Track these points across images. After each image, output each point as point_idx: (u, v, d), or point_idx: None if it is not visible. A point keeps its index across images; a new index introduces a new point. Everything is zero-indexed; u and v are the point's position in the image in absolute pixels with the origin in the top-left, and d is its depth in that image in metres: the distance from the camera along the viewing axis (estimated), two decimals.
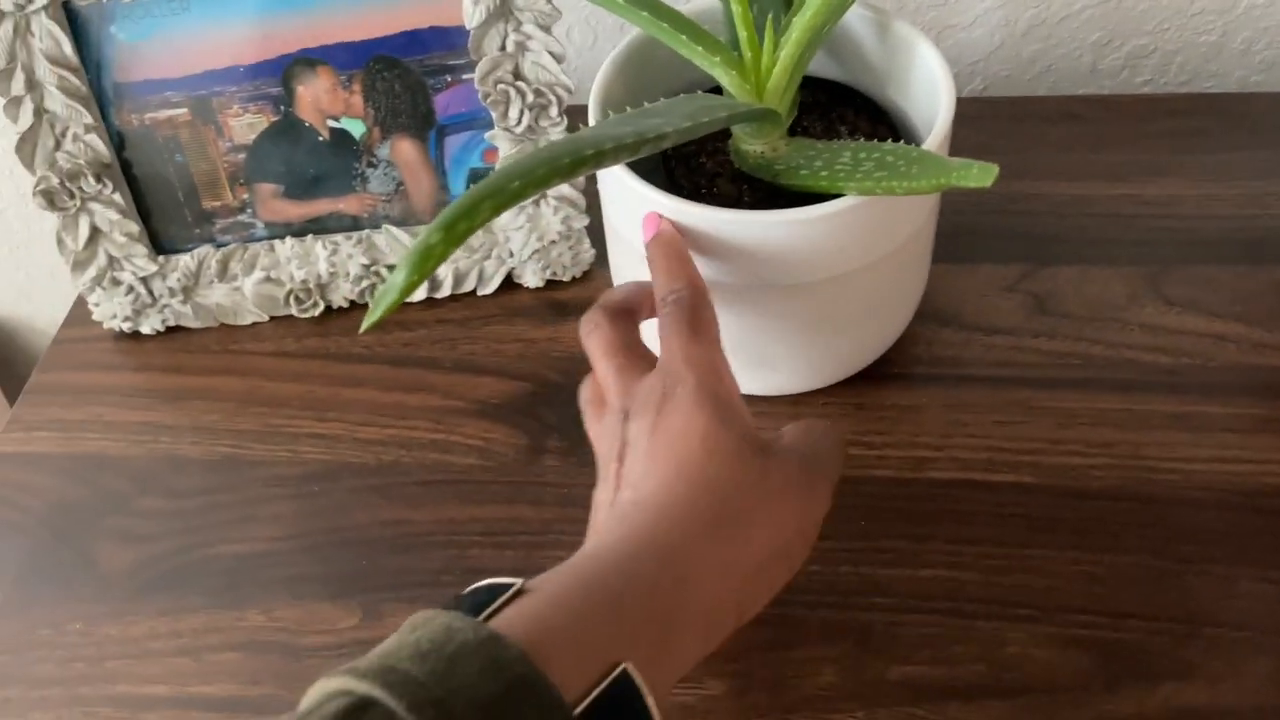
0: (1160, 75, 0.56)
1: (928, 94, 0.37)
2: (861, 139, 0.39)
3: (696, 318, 0.32)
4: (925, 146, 0.34)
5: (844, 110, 0.41)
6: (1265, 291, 0.42)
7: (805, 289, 0.36)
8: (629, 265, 0.38)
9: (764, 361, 0.39)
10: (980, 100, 0.54)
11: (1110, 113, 0.51)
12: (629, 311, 0.34)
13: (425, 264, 0.22)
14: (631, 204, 0.35)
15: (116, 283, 0.45)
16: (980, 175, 0.28)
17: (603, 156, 0.27)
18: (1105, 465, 0.38)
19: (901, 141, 0.34)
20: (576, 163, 0.26)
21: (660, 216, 0.34)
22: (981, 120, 0.51)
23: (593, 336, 0.33)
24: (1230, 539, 0.36)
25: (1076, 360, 0.41)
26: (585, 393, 0.34)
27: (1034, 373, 0.41)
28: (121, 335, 0.46)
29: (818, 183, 0.34)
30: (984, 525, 0.37)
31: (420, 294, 0.45)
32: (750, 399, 0.40)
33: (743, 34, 0.36)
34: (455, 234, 0.23)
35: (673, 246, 0.34)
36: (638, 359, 0.32)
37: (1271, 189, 0.45)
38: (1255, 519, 0.36)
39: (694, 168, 0.39)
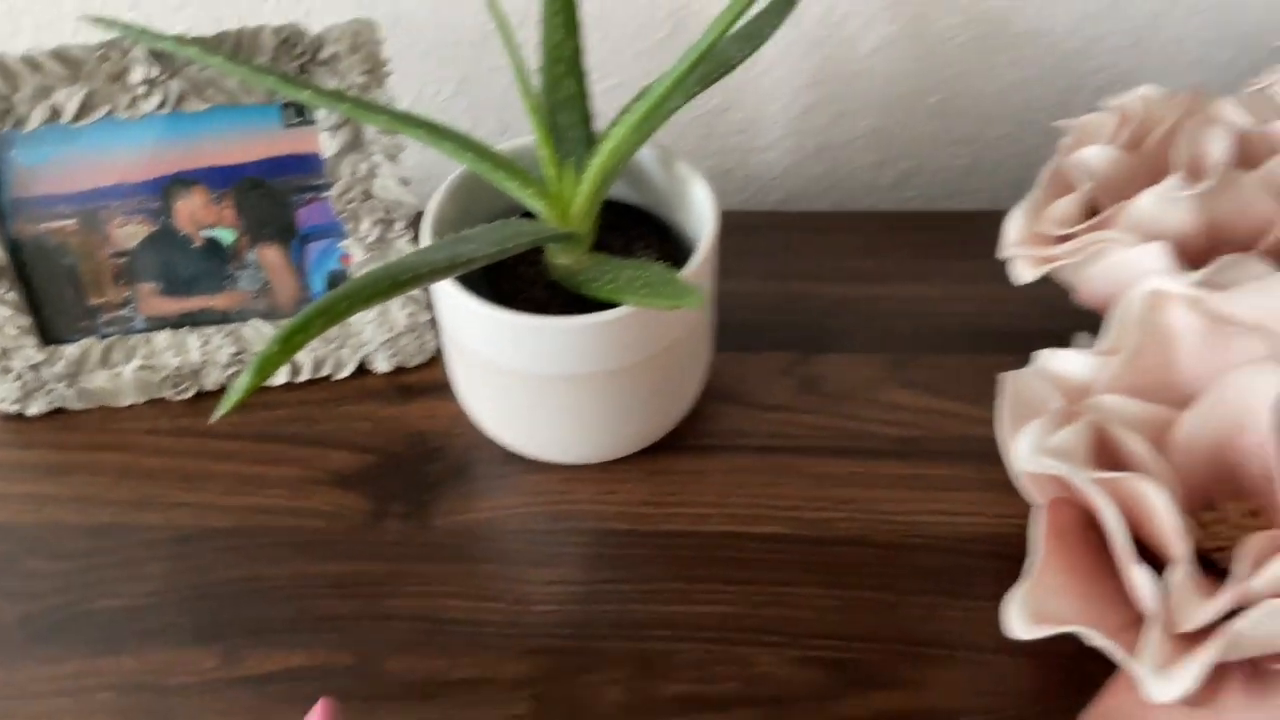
0: (926, 191, 0.67)
1: (700, 219, 0.46)
2: (654, 255, 0.48)
3: None
4: (690, 267, 0.43)
5: (641, 230, 0.49)
6: (983, 376, 0.51)
7: (601, 377, 0.44)
8: (457, 358, 0.46)
9: (570, 437, 0.47)
10: (776, 213, 0.64)
11: (878, 224, 0.61)
12: None
13: (265, 370, 0.29)
14: (456, 310, 0.43)
15: (7, 370, 0.50)
16: (691, 300, 0.37)
17: (419, 279, 0.35)
18: (848, 517, 0.47)
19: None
20: (395, 286, 0.34)
21: (332, 714, 0.34)
22: (774, 230, 0.60)
23: None
24: (941, 575, 0.44)
25: (832, 432, 0.50)
26: None
27: (798, 442, 0.49)
28: (9, 417, 0.52)
29: (606, 294, 0.42)
30: (748, 569, 0.45)
31: (282, 377, 0.52)
32: (561, 467, 0.48)
33: (549, 171, 0.44)
34: (291, 345, 0.30)
35: None
36: None
37: (1002, 293, 0.55)
38: (962, 559, 0.45)
39: (515, 276, 0.47)
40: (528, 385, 0.45)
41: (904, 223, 0.61)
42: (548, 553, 0.46)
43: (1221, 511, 0.38)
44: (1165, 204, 0.42)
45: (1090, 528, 0.38)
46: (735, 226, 0.61)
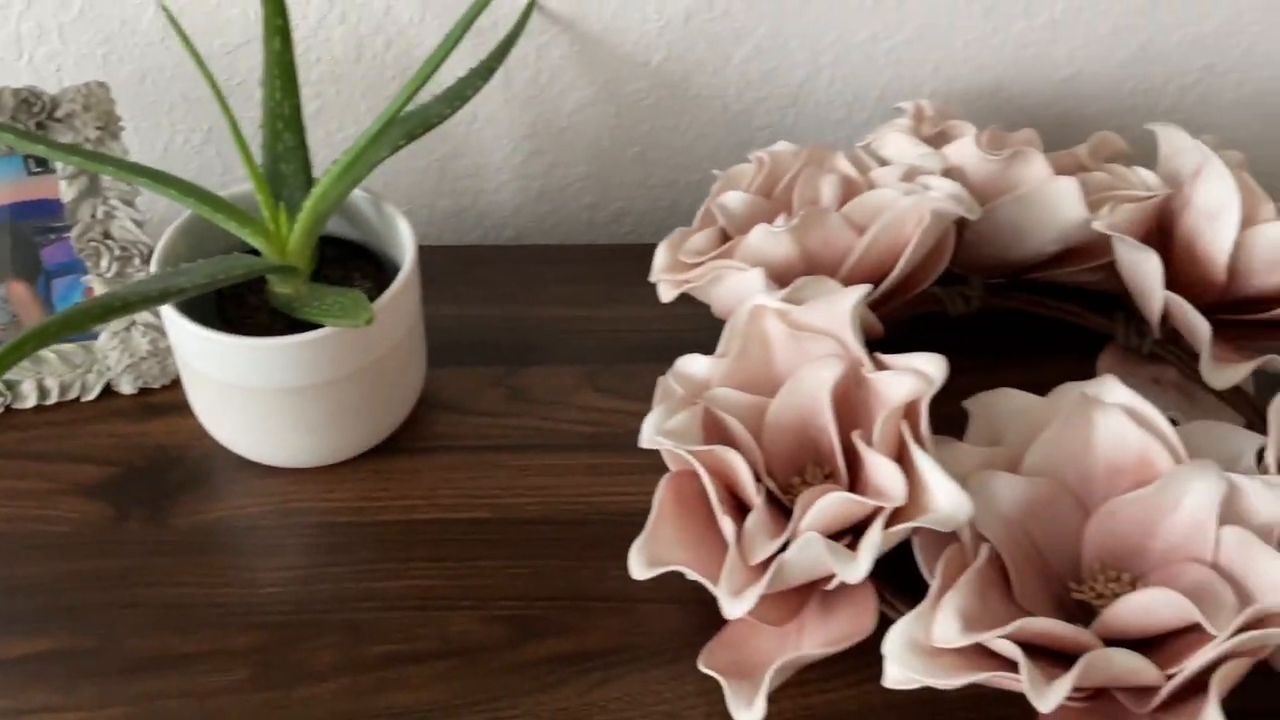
0: (638, 228, 0.77)
1: (404, 252, 0.54)
2: (369, 284, 0.56)
3: None
4: (389, 293, 0.51)
5: (360, 263, 0.57)
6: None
7: (314, 389, 0.51)
8: (190, 378, 0.53)
9: (294, 444, 0.54)
10: (504, 246, 0.73)
11: (589, 256, 0.70)
12: None
13: None
14: (181, 335, 0.50)
15: None
16: (362, 320, 0.46)
17: (130, 307, 0.42)
18: (539, 502, 0.55)
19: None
20: (107, 312, 0.41)
21: None
22: (499, 262, 0.69)
23: None
24: (611, 543, 0.53)
25: (532, 432, 0.59)
26: None
27: (502, 442, 0.58)
28: None
29: (312, 317, 0.50)
30: (450, 548, 0.53)
31: (32, 401, 0.57)
32: (289, 470, 0.55)
33: (266, 213, 0.52)
34: (3, 365, 0.36)
35: None
36: None
37: (680, 311, 0.65)
38: (629, 529, 0.53)
39: (242, 304, 0.54)
40: (250, 399, 0.52)
41: (611, 255, 0.71)
42: (274, 544, 0.53)
43: (806, 475, 0.49)
44: (768, 238, 0.53)
45: (704, 493, 0.48)
46: (463, 259, 0.70)
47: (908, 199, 0.53)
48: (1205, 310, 0.59)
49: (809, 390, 0.48)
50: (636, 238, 0.78)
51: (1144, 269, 0.56)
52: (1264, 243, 0.54)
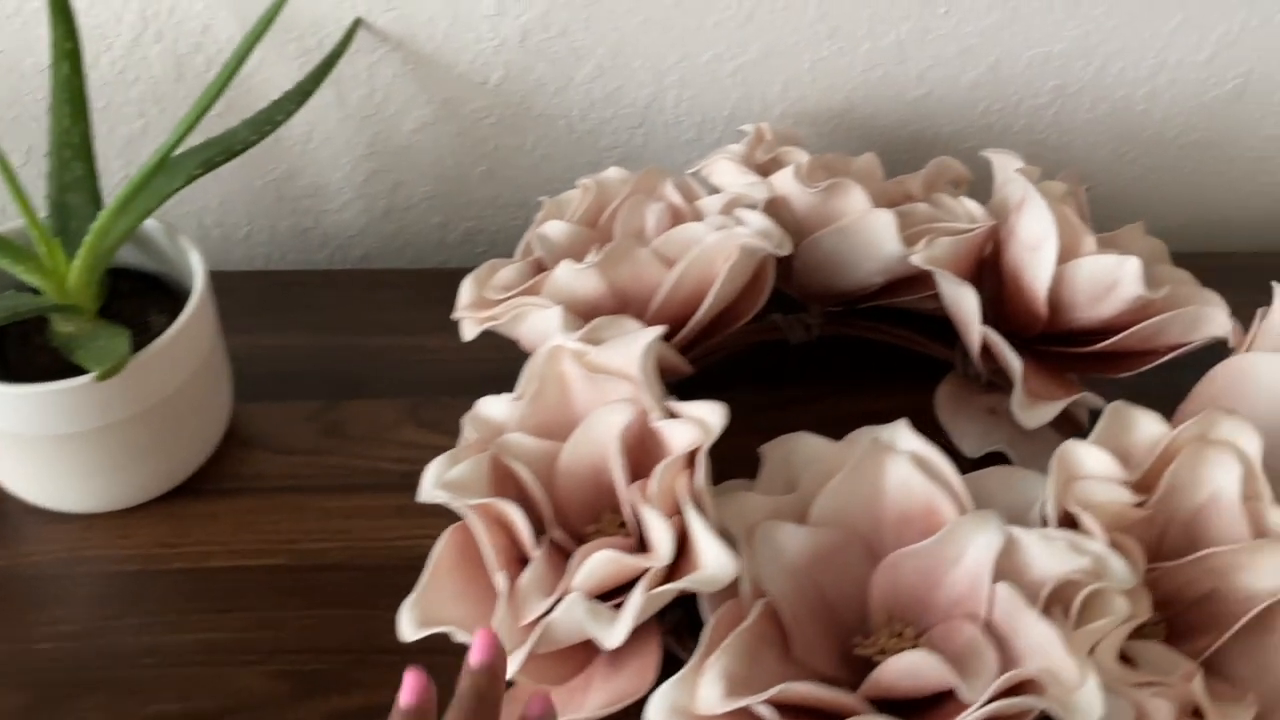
0: (495, 248, 0.75)
1: (195, 285, 0.52)
2: (167, 318, 0.54)
3: None
4: (169, 333, 0.49)
5: (157, 295, 0.55)
6: None
7: (99, 432, 0.49)
8: None
9: (84, 487, 0.51)
10: (334, 271, 0.70)
11: (430, 280, 0.68)
12: None
13: None
14: None
15: None
16: (105, 369, 0.44)
17: None
18: (342, 546, 0.53)
19: None
20: None
21: (494, 644, 0.35)
22: (329, 287, 0.67)
23: None
24: (405, 591, 0.51)
25: (345, 471, 0.57)
26: None
27: (311, 483, 0.56)
28: None
29: (82, 360, 0.47)
30: (242, 598, 0.51)
31: None
32: (81, 516, 0.53)
33: (41, 249, 0.49)
34: None
35: (490, 694, 0.35)
36: None
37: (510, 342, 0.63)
38: None
39: (28, 344, 0.52)
40: (26, 445, 0.49)
41: (454, 279, 0.69)
42: (57, 595, 0.50)
43: (602, 523, 0.47)
44: (573, 274, 0.51)
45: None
46: (291, 283, 0.68)
47: (715, 235, 0.51)
48: (1033, 342, 0.58)
49: (599, 436, 0.46)
50: (491, 257, 0.76)
51: (962, 304, 0.54)
52: (1083, 276, 0.53)
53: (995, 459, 0.57)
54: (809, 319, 0.63)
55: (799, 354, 0.64)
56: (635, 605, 0.40)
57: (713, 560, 0.40)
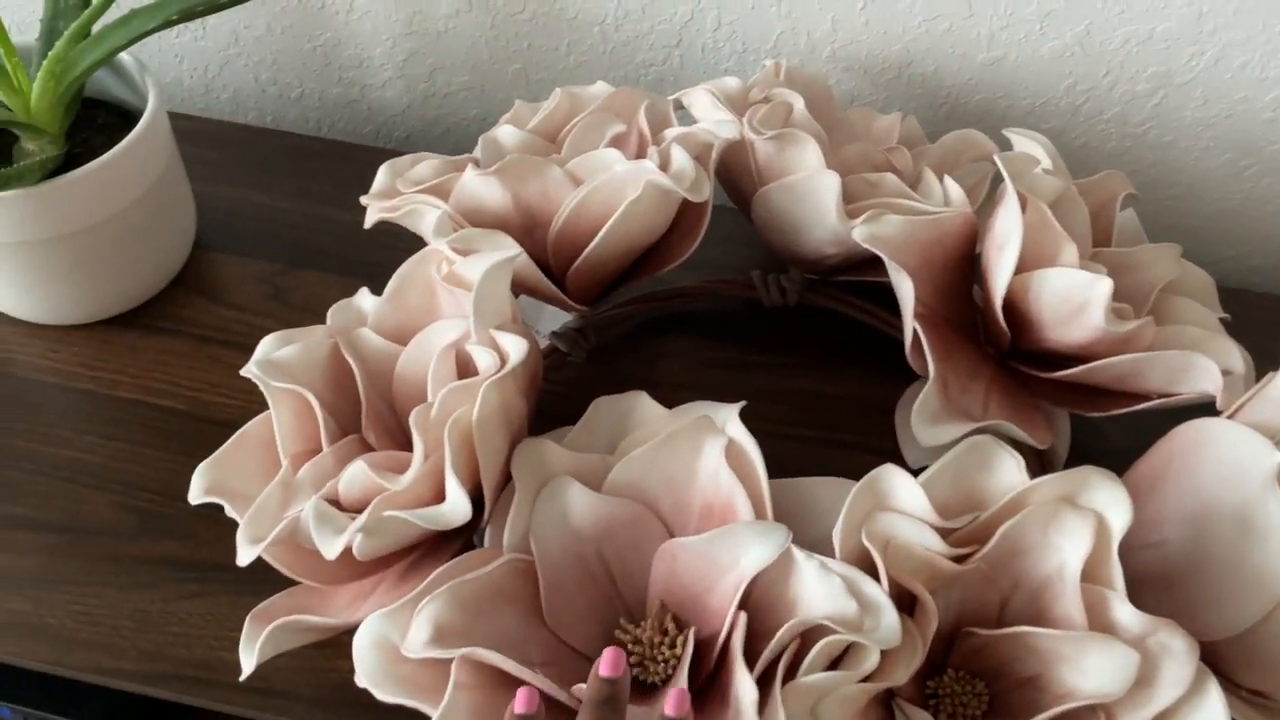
0: None
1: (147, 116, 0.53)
2: None
3: None
4: (112, 153, 0.51)
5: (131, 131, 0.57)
6: None
7: (35, 246, 0.52)
8: None
9: (25, 298, 0.55)
10: (359, 146, 0.70)
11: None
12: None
13: None
14: None
15: None
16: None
17: None
18: (238, 405, 0.54)
19: None
20: None
21: (624, 659, 0.33)
22: (345, 160, 0.67)
23: None
24: None
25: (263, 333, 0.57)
26: None
27: (237, 339, 0.57)
28: None
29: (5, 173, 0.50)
30: (129, 430, 0.53)
31: None
32: (29, 324, 0.56)
33: (7, 64, 0.52)
34: None
35: (619, 702, 0.33)
36: None
37: None
38: None
39: (3, 155, 0.55)
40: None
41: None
42: None
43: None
44: (477, 180, 0.49)
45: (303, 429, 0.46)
46: (305, 149, 0.69)
47: (624, 165, 0.47)
48: (1006, 357, 0.51)
49: (430, 348, 0.44)
50: None
51: (900, 292, 0.48)
52: (1049, 290, 0.45)
53: None
54: (787, 282, 0.58)
55: (773, 318, 0.59)
56: (359, 522, 0.38)
57: (449, 500, 0.38)
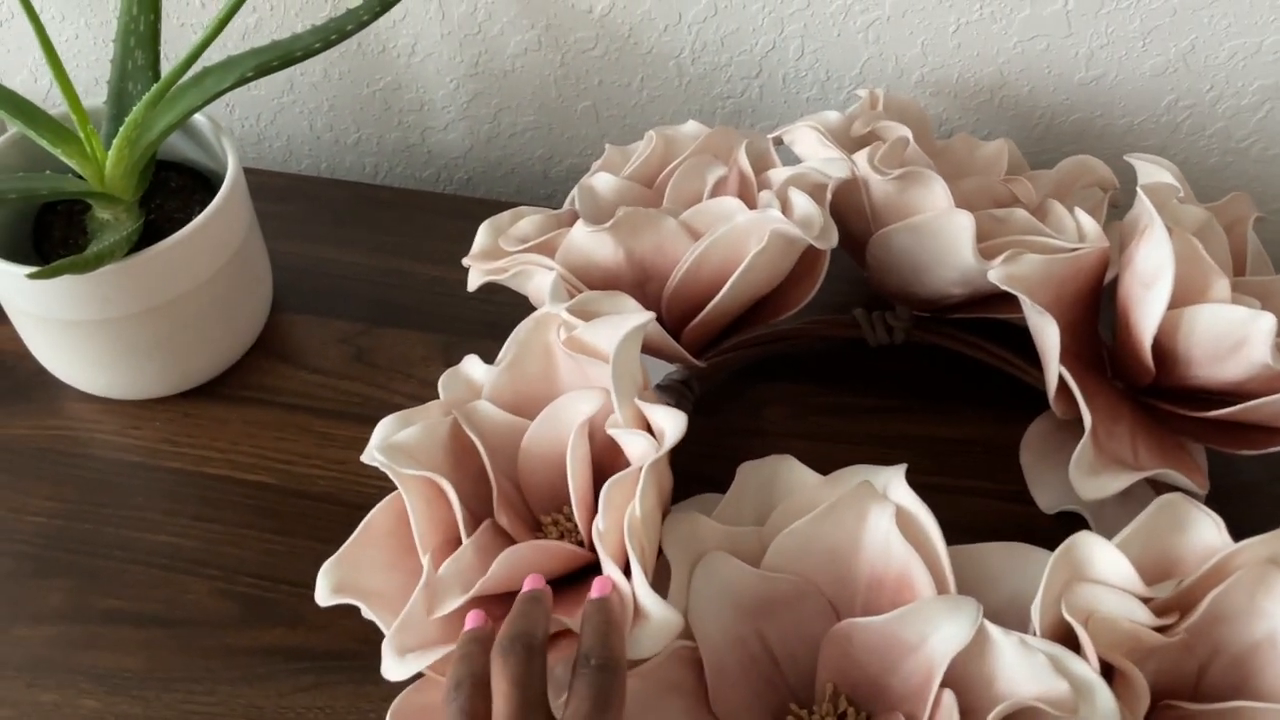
0: None
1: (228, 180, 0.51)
2: None
3: (613, 691, 0.32)
4: (195, 223, 0.48)
5: (206, 194, 0.54)
6: None
7: (113, 323, 0.49)
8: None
9: (102, 375, 0.52)
10: (427, 194, 0.68)
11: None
12: (543, 647, 0.34)
13: None
14: None
15: None
16: (78, 263, 0.43)
17: None
18: (334, 477, 0.52)
19: None
20: None
21: (611, 582, 0.35)
22: (413, 209, 0.65)
23: (508, 658, 0.33)
24: None
25: (359, 400, 0.55)
26: (461, 700, 0.33)
27: (324, 405, 0.55)
28: None
29: (90, 249, 0.47)
30: (222, 509, 0.51)
31: None
32: (102, 399, 0.54)
33: (81, 133, 0.49)
34: None
35: (613, 615, 0.34)
36: (539, 701, 0.33)
37: None
38: None
39: (73, 223, 0.53)
40: (38, 325, 0.50)
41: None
42: (58, 472, 0.52)
43: (559, 515, 0.43)
44: (588, 236, 0.46)
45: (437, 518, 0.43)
46: (371, 198, 0.66)
47: (747, 215, 0.45)
48: (1144, 394, 0.48)
49: (564, 423, 0.42)
50: None
51: (1042, 335, 0.46)
52: (1203, 327, 0.43)
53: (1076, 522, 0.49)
54: (894, 320, 0.55)
55: (880, 358, 0.57)
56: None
57: (655, 617, 0.35)
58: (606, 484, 0.37)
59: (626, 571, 0.36)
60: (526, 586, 0.36)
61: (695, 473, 0.43)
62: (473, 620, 0.36)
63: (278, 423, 0.54)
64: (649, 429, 0.40)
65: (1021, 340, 0.52)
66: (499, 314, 0.58)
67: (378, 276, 0.61)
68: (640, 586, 0.36)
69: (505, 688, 0.32)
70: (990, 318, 0.53)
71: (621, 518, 0.37)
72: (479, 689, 0.33)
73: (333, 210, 0.65)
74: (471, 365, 0.46)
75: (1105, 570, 0.35)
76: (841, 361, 0.57)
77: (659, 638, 0.35)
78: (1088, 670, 0.33)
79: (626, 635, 0.34)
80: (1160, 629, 0.35)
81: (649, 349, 0.47)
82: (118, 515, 0.50)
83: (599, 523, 0.37)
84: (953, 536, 0.39)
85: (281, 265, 0.60)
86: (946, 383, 0.56)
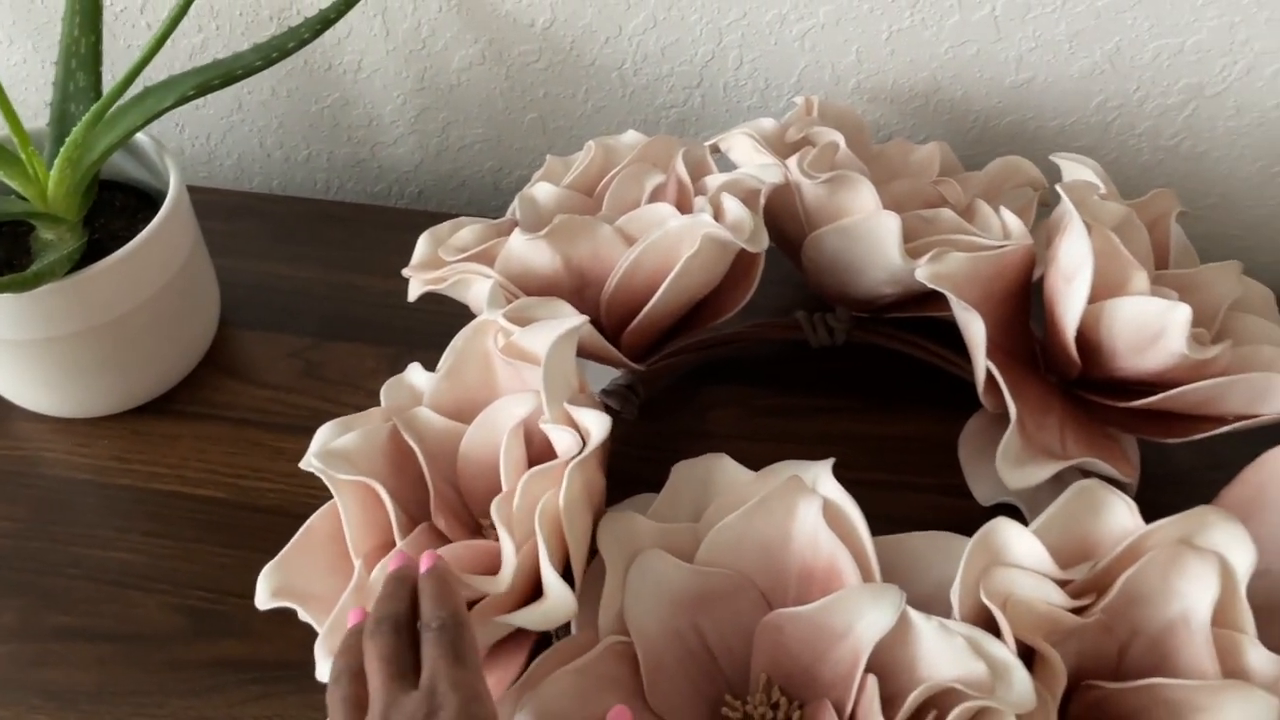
0: None
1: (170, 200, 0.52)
2: None
3: (460, 644, 0.34)
4: (135, 242, 0.49)
5: (150, 212, 0.55)
6: None
7: (59, 341, 0.49)
8: None
9: (50, 393, 0.53)
10: (374, 207, 0.69)
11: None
12: (410, 623, 0.35)
13: None
14: None
15: None
16: (15, 282, 0.43)
17: None
18: (282, 490, 0.52)
19: None
20: None
21: (436, 555, 0.37)
22: (360, 223, 0.66)
23: (375, 639, 0.34)
24: None
25: (308, 413, 0.55)
26: (342, 689, 0.34)
27: (273, 419, 0.55)
28: None
29: (33, 269, 0.48)
30: (171, 524, 0.51)
31: None
32: (56, 419, 0.54)
33: (22, 154, 0.50)
34: None
35: (444, 579, 0.36)
36: (409, 672, 0.34)
37: None
38: None
39: (18, 244, 0.53)
40: (22, 352, 0.51)
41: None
42: (10, 492, 0.52)
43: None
44: (525, 244, 0.47)
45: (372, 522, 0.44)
46: (319, 213, 0.67)
47: (679, 220, 0.46)
48: (1073, 386, 0.50)
49: (498, 426, 0.43)
50: None
51: (969, 330, 0.47)
52: (1123, 319, 0.45)
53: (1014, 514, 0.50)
54: (834, 321, 0.56)
55: (822, 358, 0.58)
56: None
57: (552, 596, 0.36)
58: (526, 474, 0.38)
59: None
60: (391, 566, 0.37)
61: (640, 476, 0.44)
62: (354, 617, 0.37)
63: (227, 438, 0.54)
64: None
65: (959, 338, 0.53)
66: (450, 325, 0.59)
67: (329, 291, 0.61)
68: (544, 567, 0.37)
69: (375, 664, 0.34)
70: (926, 316, 0.54)
71: (534, 504, 0.38)
72: (356, 677, 0.34)
73: (284, 226, 0.65)
74: (414, 373, 0.47)
75: (1021, 554, 0.36)
76: (785, 363, 0.58)
77: (554, 618, 0.37)
78: (1005, 652, 0.34)
79: (460, 592, 0.35)
80: (1077, 610, 0.36)
81: (587, 353, 0.48)
82: (68, 533, 0.51)
83: (512, 504, 0.38)
84: (896, 531, 0.40)
85: (232, 282, 0.60)
86: (888, 381, 0.57)
